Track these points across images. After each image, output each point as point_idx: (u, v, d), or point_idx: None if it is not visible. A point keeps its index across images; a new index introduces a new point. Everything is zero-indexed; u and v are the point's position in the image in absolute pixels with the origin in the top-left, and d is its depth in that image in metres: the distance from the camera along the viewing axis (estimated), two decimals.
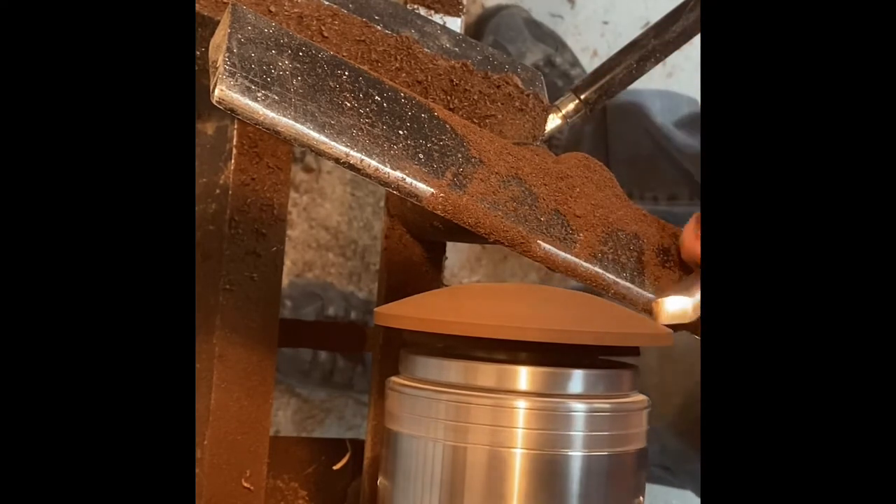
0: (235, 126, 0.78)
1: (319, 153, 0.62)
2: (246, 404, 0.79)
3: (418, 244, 0.84)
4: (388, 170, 0.63)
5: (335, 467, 0.91)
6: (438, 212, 0.65)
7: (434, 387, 0.64)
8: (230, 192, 0.78)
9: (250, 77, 0.61)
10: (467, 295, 0.68)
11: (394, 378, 0.68)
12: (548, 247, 0.67)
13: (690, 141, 1.34)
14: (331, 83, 0.64)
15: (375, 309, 0.70)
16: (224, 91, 0.60)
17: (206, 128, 0.81)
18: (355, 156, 0.62)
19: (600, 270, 0.68)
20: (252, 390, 0.79)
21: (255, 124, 0.61)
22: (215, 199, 0.79)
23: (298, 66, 0.63)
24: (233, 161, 0.78)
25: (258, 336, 0.79)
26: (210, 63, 0.62)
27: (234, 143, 0.78)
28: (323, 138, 0.62)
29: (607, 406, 0.64)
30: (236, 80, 0.60)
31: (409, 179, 0.64)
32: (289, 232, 1.30)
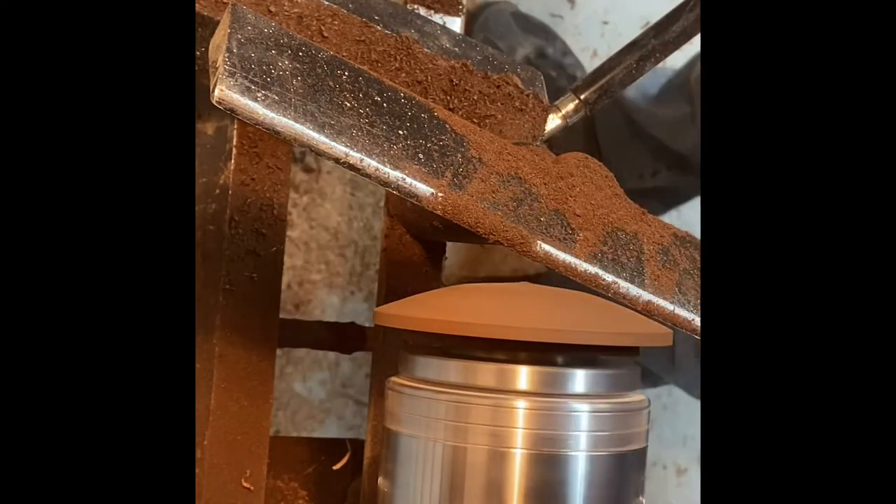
0: (235, 126, 0.78)
1: (319, 153, 0.62)
2: (246, 404, 0.79)
3: (418, 244, 0.84)
4: (387, 170, 0.63)
5: (335, 467, 0.91)
6: (438, 212, 0.65)
7: (434, 387, 0.64)
8: (230, 192, 0.78)
9: (250, 77, 0.61)
10: (467, 295, 0.68)
11: (394, 378, 0.68)
12: (548, 247, 0.67)
13: (658, 110, 1.32)
14: (330, 83, 0.64)
15: (375, 309, 0.70)
16: (224, 91, 0.60)
17: (206, 128, 0.81)
18: (355, 156, 0.62)
19: (600, 270, 0.68)
20: (252, 390, 0.79)
21: (255, 124, 0.61)
22: (215, 199, 0.79)
23: (298, 66, 0.63)
24: (233, 161, 0.78)
25: (258, 336, 0.79)
26: (210, 63, 0.62)
27: (234, 143, 0.78)
28: (322, 138, 0.62)
29: (607, 406, 0.64)
30: (236, 80, 0.60)
31: (408, 179, 0.64)
32: (289, 232, 1.30)
